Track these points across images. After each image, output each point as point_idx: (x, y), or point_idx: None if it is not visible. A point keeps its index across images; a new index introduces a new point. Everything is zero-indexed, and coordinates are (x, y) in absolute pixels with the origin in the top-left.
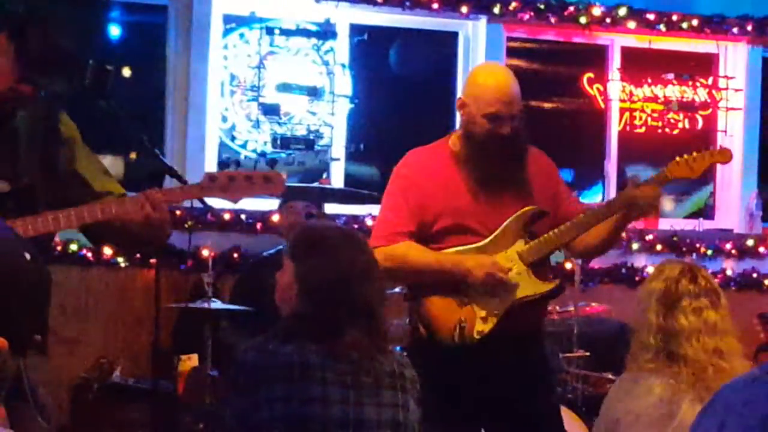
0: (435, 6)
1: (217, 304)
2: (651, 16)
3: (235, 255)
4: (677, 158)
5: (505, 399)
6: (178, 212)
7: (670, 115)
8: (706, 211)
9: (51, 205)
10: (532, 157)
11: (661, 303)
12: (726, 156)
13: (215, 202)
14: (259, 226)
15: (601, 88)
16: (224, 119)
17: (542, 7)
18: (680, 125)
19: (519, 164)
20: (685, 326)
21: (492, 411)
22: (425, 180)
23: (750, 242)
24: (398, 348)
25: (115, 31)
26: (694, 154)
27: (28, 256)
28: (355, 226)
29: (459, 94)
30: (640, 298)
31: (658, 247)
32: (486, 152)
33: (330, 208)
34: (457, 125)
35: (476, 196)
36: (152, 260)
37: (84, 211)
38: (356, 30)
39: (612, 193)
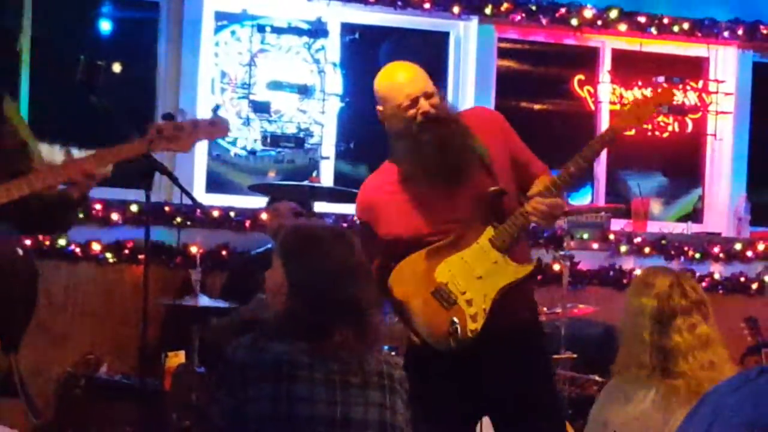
0: (426, 6)
1: (204, 300)
2: (642, 19)
3: (224, 252)
4: (620, 109)
5: (506, 392)
6: (167, 209)
7: (660, 118)
8: (694, 215)
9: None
10: (473, 123)
11: (656, 321)
12: (668, 95)
13: (206, 200)
14: (247, 223)
15: (592, 90)
16: (218, 107)
17: (534, 8)
18: (670, 128)
19: (457, 142)
20: (680, 344)
21: (493, 405)
22: (374, 208)
23: (738, 246)
24: (387, 348)
25: (106, 26)
26: (634, 100)
27: (20, 251)
28: (344, 225)
29: (449, 94)
30: (629, 311)
31: (647, 249)
32: (417, 140)
33: (319, 207)
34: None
35: (426, 199)
36: (140, 256)
37: (37, 177)
38: (347, 29)
39: (601, 195)
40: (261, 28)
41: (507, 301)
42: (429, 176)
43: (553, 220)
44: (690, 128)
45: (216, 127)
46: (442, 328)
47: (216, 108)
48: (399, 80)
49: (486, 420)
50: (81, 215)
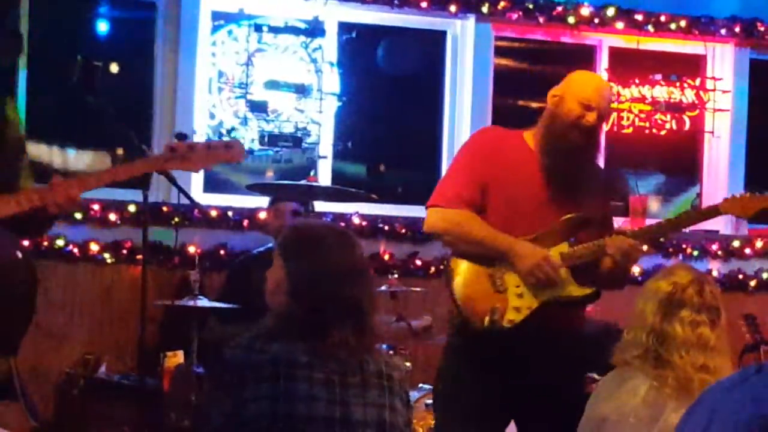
0: (423, 5)
1: (203, 302)
2: (639, 17)
3: (222, 252)
4: (733, 196)
5: (532, 390)
6: (165, 209)
7: (658, 115)
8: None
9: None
10: (601, 174)
11: (663, 304)
12: None
13: (204, 199)
14: (246, 223)
15: None
16: (212, 116)
17: (531, 6)
18: (667, 126)
19: (589, 163)
20: (678, 335)
21: (517, 400)
22: (495, 156)
23: (736, 243)
24: (386, 347)
25: (103, 26)
26: (749, 195)
27: (19, 254)
28: (342, 224)
29: (447, 92)
30: (644, 293)
31: (644, 247)
32: (567, 138)
33: (317, 206)
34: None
35: (545, 188)
36: (139, 256)
37: (26, 198)
38: (345, 28)
39: None
40: (258, 28)
41: (554, 312)
42: (551, 171)
43: (628, 260)
44: (687, 126)
45: (231, 151)
46: (482, 306)
47: (231, 130)
48: (601, 87)
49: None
50: (78, 215)
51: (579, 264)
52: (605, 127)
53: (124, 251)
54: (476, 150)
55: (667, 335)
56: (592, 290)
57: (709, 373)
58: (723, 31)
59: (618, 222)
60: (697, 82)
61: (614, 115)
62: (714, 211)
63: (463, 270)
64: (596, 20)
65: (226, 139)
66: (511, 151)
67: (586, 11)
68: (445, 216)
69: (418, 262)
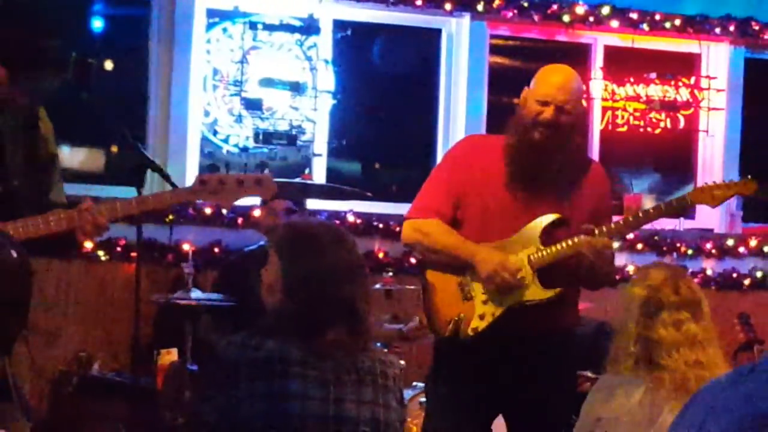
0: (418, 2)
1: (197, 293)
2: (634, 15)
3: (216, 249)
4: (702, 185)
5: (524, 394)
6: None
7: (652, 114)
8: (686, 211)
9: (31, 203)
10: (591, 170)
11: (642, 312)
12: (750, 188)
13: None
14: (240, 220)
15: (584, 87)
16: (206, 114)
17: (525, 5)
18: (662, 124)
19: (558, 160)
20: (664, 338)
21: (499, 402)
22: (471, 165)
23: (730, 242)
24: (380, 345)
25: (97, 24)
26: (717, 182)
27: (14, 254)
28: (337, 221)
29: (442, 90)
30: (621, 300)
31: (639, 246)
32: (529, 136)
33: (312, 204)
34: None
35: (510, 192)
36: (133, 254)
37: (54, 220)
38: (339, 26)
39: None
40: (253, 25)
41: (521, 316)
42: (513, 172)
43: (601, 256)
44: (682, 124)
45: (261, 187)
46: (448, 316)
47: (263, 166)
48: (559, 82)
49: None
50: None
51: (546, 265)
52: (579, 120)
53: (118, 248)
54: (452, 161)
55: (654, 340)
56: (555, 292)
57: (704, 368)
58: (717, 30)
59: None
60: (692, 80)
61: (609, 113)
62: (683, 201)
63: (434, 279)
64: (591, 18)
65: (256, 173)
66: (488, 159)
67: (580, 9)
68: (414, 226)
69: (413, 260)
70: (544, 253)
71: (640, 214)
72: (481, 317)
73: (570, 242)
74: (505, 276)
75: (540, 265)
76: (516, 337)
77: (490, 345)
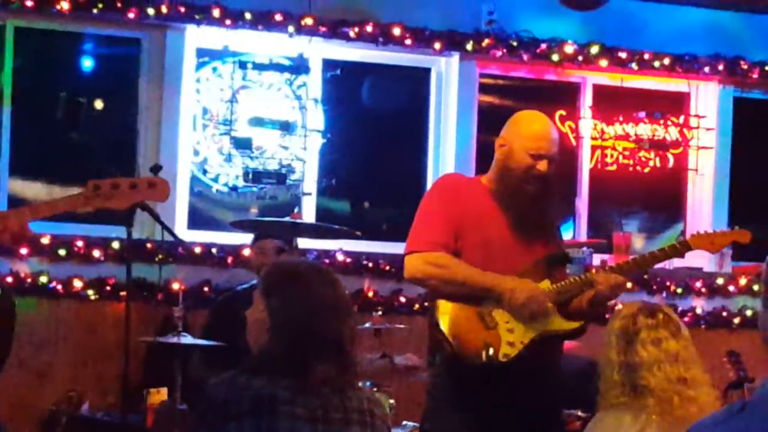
0: (408, 42)
1: (187, 339)
2: (623, 55)
3: (206, 289)
4: (699, 232)
5: (519, 424)
6: (148, 245)
7: (642, 153)
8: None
9: None
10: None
11: (621, 339)
12: (745, 237)
13: (188, 236)
14: (230, 259)
15: (573, 126)
16: (196, 153)
17: (515, 44)
18: (651, 163)
19: (548, 206)
20: (645, 357)
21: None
22: (461, 200)
23: (720, 281)
24: (368, 384)
25: (87, 63)
26: (715, 231)
27: None
28: (326, 261)
29: (431, 129)
30: (603, 339)
31: (629, 285)
32: (523, 189)
33: (301, 243)
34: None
35: (511, 233)
36: (122, 293)
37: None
38: (329, 65)
39: (583, 230)
40: (242, 65)
41: (542, 347)
42: (514, 217)
43: (614, 294)
44: (671, 163)
45: (155, 189)
46: (475, 343)
47: (156, 168)
48: (547, 133)
49: None
50: (62, 252)
51: (562, 300)
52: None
53: (108, 288)
54: (444, 194)
55: (635, 363)
56: (579, 324)
57: (688, 386)
58: (706, 69)
59: (602, 259)
60: (681, 119)
61: (598, 152)
62: (685, 247)
63: (449, 309)
64: (580, 58)
65: (149, 176)
66: (475, 196)
67: (570, 49)
68: (426, 260)
69: (402, 299)
70: (560, 287)
71: (647, 256)
72: (511, 344)
73: (587, 276)
74: (544, 300)
75: (557, 299)
76: (538, 367)
77: (515, 374)
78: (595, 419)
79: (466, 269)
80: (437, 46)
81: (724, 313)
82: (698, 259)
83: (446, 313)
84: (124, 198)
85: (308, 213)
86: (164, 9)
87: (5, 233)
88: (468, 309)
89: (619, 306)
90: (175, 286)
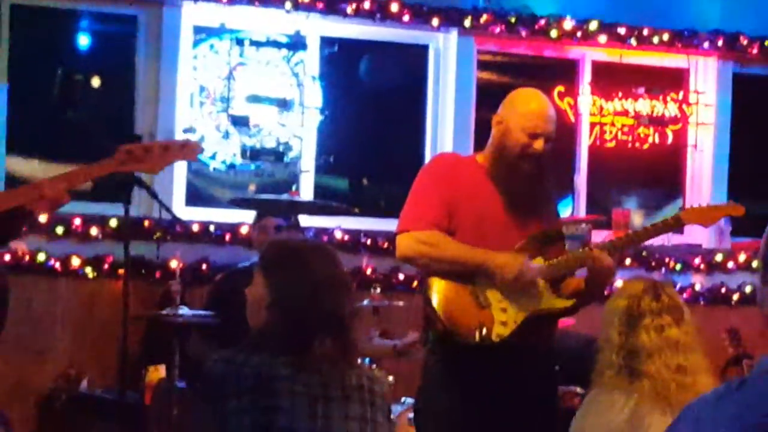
0: (406, 18)
1: (184, 310)
2: (622, 31)
3: (204, 266)
4: (692, 206)
5: (513, 403)
6: (146, 223)
7: (641, 129)
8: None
9: None
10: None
11: (623, 321)
12: (739, 211)
13: (185, 214)
14: (228, 237)
15: (572, 102)
16: (193, 130)
17: (513, 20)
18: (650, 140)
19: (542, 184)
20: (646, 344)
21: (499, 414)
22: (455, 179)
23: (719, 257)
24: (368, 361)
25: (84, 40)
26: (708, 204)
27: None
28: (325, 238)
29: (429, 106)
30: (603, 315)
31: (627, 261)
32: (519, 167)
33: (300, 220)
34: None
35: (506, 211)
36: (120, 271)
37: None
38: (327, 42)
39: (582, 207)
40: (240, 42)
41: (535, 326)
42: (509, 195)
43: (606, 273)
44: (670, 139)
45: (186, 149)
46: (468, 322)
47: (189, 130)
48: (544, 111)
49: None
50: (60, 230)
51: (555, 277)
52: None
53: (106, 266)
54: (437, 174)
55: (636, 348)
56: (572, 302)
57: (686, 374)
58: (706, 45)
59: (601, 236)
60: (680, 95)
61: (597, 128)
62: (677, 222)
63: (442, 288)
64: (579, 34)
65: (182, 138)
66: (469, 175)
67: (568, 25)
68: (417, 238)
69: (401, 277)
70: (555, 262)
71: (640, 231)
72: (504, 324)
73: (583, 253)
74: (534, 274)
75: (551, 276)
76: (531, 346)
77: (509, 353)
78: (589, 397)
79: (457, 247)
80: (435, 22)
81: (723, 290)
82: (697, 236)
83: (439, 292)
84: (156, 160)
85: (306, 190)
86: None
87: (43, 201)
88: (461, 288)
89: (619, 282)
90: (173, 263)
